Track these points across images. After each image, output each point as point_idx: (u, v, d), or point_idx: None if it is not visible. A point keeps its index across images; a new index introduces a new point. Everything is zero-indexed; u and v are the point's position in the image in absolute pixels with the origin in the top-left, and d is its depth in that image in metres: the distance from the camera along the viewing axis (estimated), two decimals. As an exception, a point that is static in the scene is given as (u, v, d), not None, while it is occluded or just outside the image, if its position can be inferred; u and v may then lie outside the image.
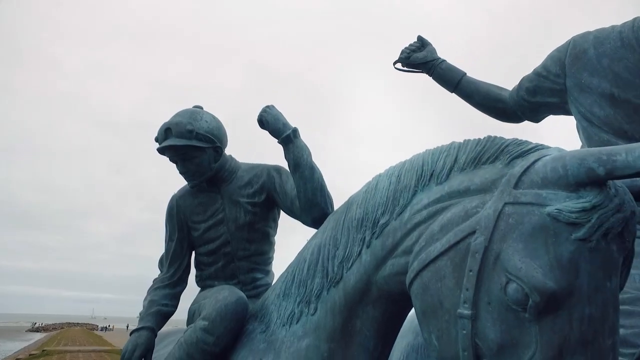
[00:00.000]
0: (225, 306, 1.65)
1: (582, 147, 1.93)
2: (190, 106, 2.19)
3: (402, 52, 2.49)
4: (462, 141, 1.21)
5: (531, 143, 1.08)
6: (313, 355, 1.38)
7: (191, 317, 1.93)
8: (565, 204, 0.89)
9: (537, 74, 2.02)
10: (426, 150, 1.30)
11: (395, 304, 1.30)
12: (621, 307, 1.48)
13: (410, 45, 2.50)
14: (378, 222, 1.29)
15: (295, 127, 1.90)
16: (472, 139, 1.19)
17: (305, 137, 1.92)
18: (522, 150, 1.05)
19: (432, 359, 1.25)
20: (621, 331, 1.46)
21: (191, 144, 1.96)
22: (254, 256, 2.13)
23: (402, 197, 1.24)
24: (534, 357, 0.89)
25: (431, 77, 2.42)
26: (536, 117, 2.16)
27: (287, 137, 1.86)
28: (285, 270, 1.70)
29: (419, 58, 2.41)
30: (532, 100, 2.05)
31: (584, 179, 0.89)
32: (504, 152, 1.07)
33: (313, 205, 1.85)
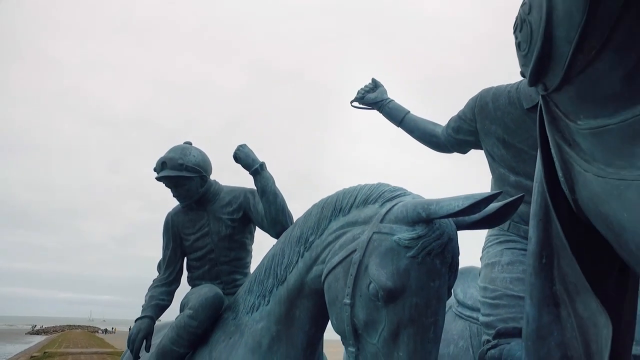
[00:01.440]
0: (205, 299, 2.23)
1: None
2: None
3: (358, 92, 3.05)
4: (362, 184, 1.77)
5: (399, 191, 1.65)
6: (266, 334, 1.94)
7: (182, 307, 2.50)
8: (404, 234, 1.46)
9: (459, 117, 2.55)
10: (342, 189, 1.86)
11: (322, 297, 1.85)
12: (491, 301, 2.04)
13: (365, 86, 3.06)
14: (308, 239, 1.85)
15: (262, 162, 2.46)
16: (368, 184, 1.76)
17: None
18: (391, 196, 1.62)
19: None
20: (489, 318, 2.02)
21: (182, 174, 2.53)
22: (234, 261, 2.69)
23: (322, 223, 1.81)
24: (384, 329, 1.45)
25: (381, 114, 2.98)
26: (462, 150, 2.69)
27: (256, 170, 2.43)
28: (253, 272, 2.26)
29: (371, 98, 2.96)
30: (457, 137, 2.58)
31: (415, 218, 1.46)
32: (382, 197, 1.64)
33: (276, 222, 2.42)
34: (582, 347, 0.94)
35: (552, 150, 0.96)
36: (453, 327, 2.35)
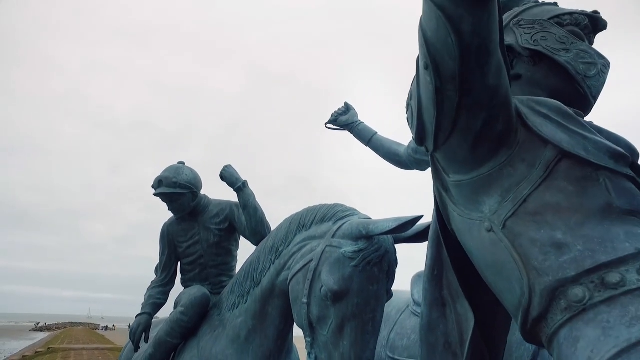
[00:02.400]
0: (195, 299, 2.62)
1: None
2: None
3: (332, 115, 3.43)
4: (322, 205, 2.16)
5: (350, 211, 2.03)
6: (244, 327, 2.34)
7: (175, 305, 2.89)
8: (349, 248, 1.84)
9: None
10: (307, 207, 2.25)
11: (289, 297, 2.24)
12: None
13: (338, 109, 3.43)
14: (278, 249, 2.24)
15: (244, 180, 2.84)
16: (327, 204, 2.15)
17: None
18: (343, 215, 2.00)
19: None
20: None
21: (175, 191, 2.93)
22: (221, 265, 3.09)
23: (289, 236, 2.20)
24: (332, 323, 1.84)
25: (352, 134, 3.35)
26: (421, 168, 3.04)
27: (239, 188, 2.81)
28: (235, 275, 2.65)
29: (342, 121, 3.33)
30: (415, 156, 2.93)
31: (358, 235, 1.84)
32: (335, 216, 2.02)
33: (256, 233, 2.81)
34: (458, 335, 1.31)
35: (436, 193, 1.34)
36: (408, 323, 2.74)
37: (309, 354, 1.93)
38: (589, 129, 1.01)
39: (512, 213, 0.99)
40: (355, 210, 2.08)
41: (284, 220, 2.38)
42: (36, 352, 25.03)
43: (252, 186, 2.87)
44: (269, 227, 2.85)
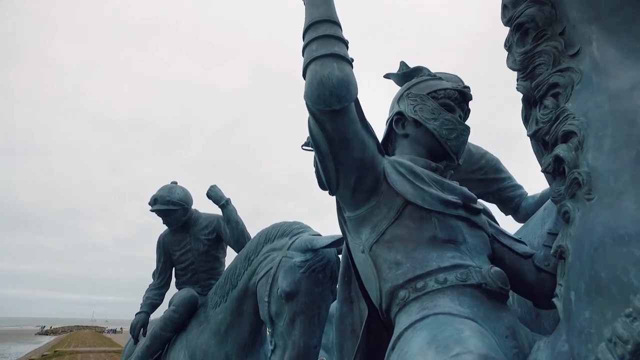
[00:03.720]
0: (184, 299, 3.13)
1: None
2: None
3: (307, 138, 3.93)
4: (284, 222, 2.67)
5: (303, 228, 2.54)
6: (223, 322, 2.84)
7: (169, 304, 3.41)
8: (298, 258, 2.35)
9: None
10: (273, 224, 2.75)
11: None
12: None
13: (308, 138, 3.95)
14: (250, 258, 2.74)
15: (227, 198, 3.35)
16: (288, 222, 2.65)
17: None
18: (297, 232, 2.51)
19: None
20: None
21: (168, 208, 3.44)
22: (209, 270, 3.59)
23: (258, 248, 2.70)
24: (286, 317, 2.33)
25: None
26: None
27: (223, 205, 3.32)
28: (219, 279, 3.16)
29: None
30: None
31: (305, 249, 2.35)
32: (291, 232, 2.53)
33: (238, 243, 3.31)
34: (359, 324, 1.77)
35: (340, 223, 1.80)
36: None
37: (270, 341, 2.43)
38: (429, 183, 1.50)
39: (375, 241, 1.48)
40: (308, 227, 2.58)
41: (256, 234, 2.89)
42: (43, 356, 25.62)
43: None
44: (248, 237, 3.35)
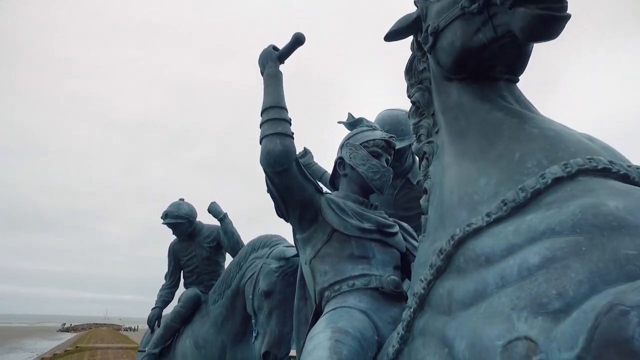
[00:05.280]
0: (189, 297, 3.84)
1: None
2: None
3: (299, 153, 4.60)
4: (266, 235, 3.34)
5: (280, 241, 3.20)
6: (220, 316, 3.53)
7: (178, 301, 4.11)
8: (274, 265, 3.02)
9: None
10: (259, 236, 3.42)
11: None
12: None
13: (299, 153, 4.60)
14: (240, 264, 3.42)
15: (225, 213, 4.04)
16: (269, 234, 3.32)
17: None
18: (275, 243, 3.18)
19: None
20: None
21: (176, 221, 4.15)
22: (211, 273, 4.30)
23: (247, 255, 3.38)
24: (265, 311, 3.00)
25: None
26: None
27: (221, 219, 4.01)
28: (217, 280, 3.86)
29: (301, 162, 4.52)
30: None
31: (279, 257, 3.01)
32: (271, 243, 3.20)
33: (233, 250, 4.00)
34: (310, 316, 2.42)
35: (294, 242, 2.45)
36: None
37: (254, 330, 3.11)
38: (351, 216, 2.14)
39: (314, 256, 2.12)
40: (284, 240, 3.24)
41: (246, 244, 3.56)
42: (65, 351, 26.84)
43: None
44: (242, 244, 4.04)
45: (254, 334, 3.09)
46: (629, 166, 1.14)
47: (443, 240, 1.32)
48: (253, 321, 3.12)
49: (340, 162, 2.44)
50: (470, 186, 1.36)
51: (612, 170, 1.08)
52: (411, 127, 1.99)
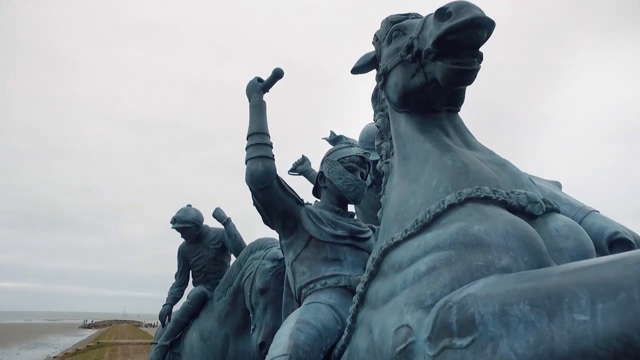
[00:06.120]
0: (196, 294, 4.24)
1: None
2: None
3: (292, 164, 4.95)
4: (262, 238, 3.70)
5: (273, 243, 3.57)
6: (223, 310, 3.91)
7: (187, 298, 4.52)
8: (269, 265, 3.38)
9: None
10: (257, 238, 3.79)
11: None
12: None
13: (297, 161, 4.94)
14: (241, 264, 3.79)
15: (228, 217, 4.42)
16: (265, 237, 3.68)
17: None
18: (270, 246, 3.54)
19: None
20: None
21: (184, 225, 4.56)
22: (217, 272, 4.69)
23: (246, 257, 3.75)
24: (261, 306, 3.36)
25: (306, 179, 4.86)
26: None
27: (225, 223, 4.40)
28: (222, 279, 4.25)
29: (298, 169, 4.85)
30: None
31: (273, 258, 3.38)
32: (266, 246, 3.56)
33: (237, 251, 4.38)
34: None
35: (280, 247, 2.82)
36: None
37: (252, 323, 3.48)
38: (326, 224, 2.48)
39: (295, 259, 2.47)
40: (277, 242, 3.60)
41: (246, 247, 3.93)
42: (88, 347, 27.87)
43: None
44: (244, 245, 4.41)
45: (252, 327, 3.46)
46: (511, 192, 1.45)
47: (377, 249, 1.65)
48: (251, 315, 3.49)
49: (321, 175, 2.78)
50: (403, 205, 1.69)
51: (492, 197, 1.40)
52: (375, 147, 2.32)
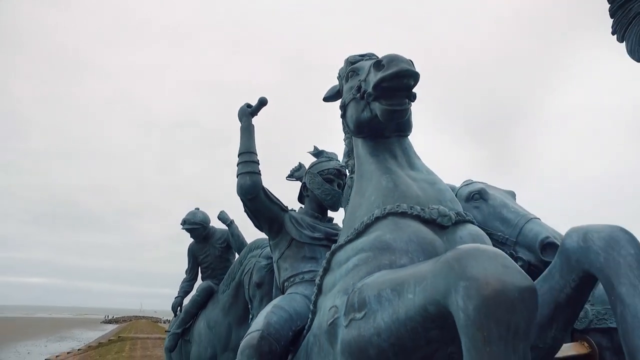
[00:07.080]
0: (204, 288, 4.79)
1: None
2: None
3: (290, 171, 5.43)
4: (259, 238, 4.20)
5: (265, 244, 4.05)
6: (227, 302, 4.43)
7: (196, 291, 5.05)
8: (264, 262, 3.87)
9: None
10: (256, 239, 4.28)
11: None
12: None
13: (294, 167, 5.42)
14: (242, 261, 4.30)
15: (232, 219, 4.94)
16: (261, 238, 4.18)
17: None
18: (265, 245, 4.03)
19: None
20: None
21: (192, 226, 5.10)
22: (223, 268, 5.21)
23: (246, 254, 4.25)
24: (257, 298, 3.86)
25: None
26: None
27: (229, 224, 4.91)
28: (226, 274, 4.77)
29: (295, 175, 5.32)
30: None
31: (268, 256, 3.87)
32: (262, 245, 4.06)
33: (239, 250, 4.89)
34: None
35: (269, 247, 3.30)
36: None
37: (251, 314, 3.98)
38: (305, 228, 2.94)
39: (279, 257, 2.95)
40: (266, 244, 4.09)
41: (246, 246, 4.44)
42: (109, 340, 28.98)
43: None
44: (246, 245, 4.92)
45: (250, 316, 3.96)
46: (426, 208, 1.89)
47: (330, 250, 2.13)
48: (249, 306, 3.99)
49: (304, 186, 3.26)
50: (353, 214, 2.15)
51: (407, 212, 1.85)
52: (344, 163, 2.77)
